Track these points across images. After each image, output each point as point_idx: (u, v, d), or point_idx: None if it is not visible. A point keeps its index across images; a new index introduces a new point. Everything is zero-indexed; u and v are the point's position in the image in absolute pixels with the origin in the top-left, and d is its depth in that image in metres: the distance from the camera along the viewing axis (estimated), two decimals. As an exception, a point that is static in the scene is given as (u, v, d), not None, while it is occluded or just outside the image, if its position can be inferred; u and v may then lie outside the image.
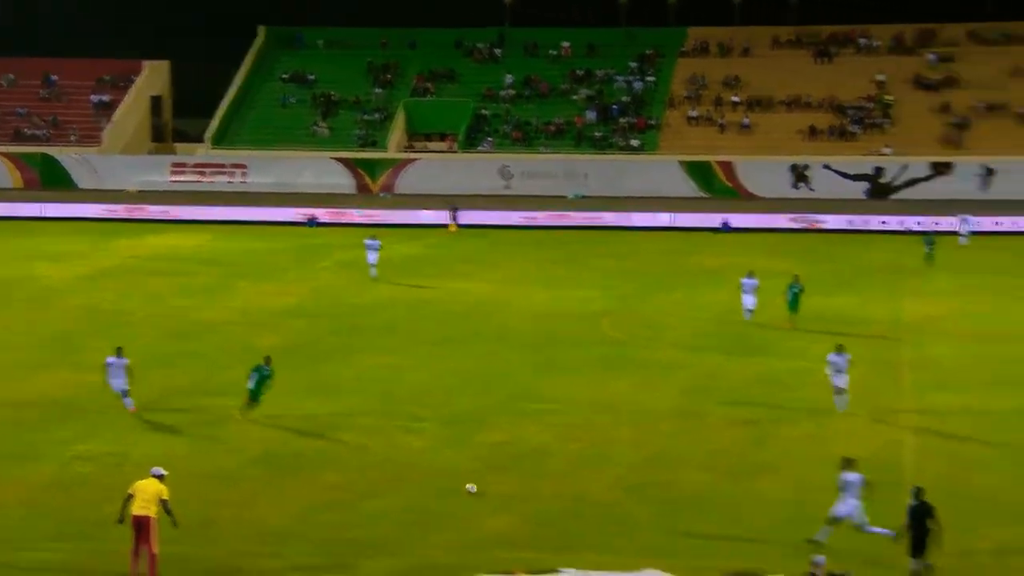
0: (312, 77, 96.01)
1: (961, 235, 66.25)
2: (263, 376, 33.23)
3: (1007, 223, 71.29)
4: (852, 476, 24.30)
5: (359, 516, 26.29)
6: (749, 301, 45.96)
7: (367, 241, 56.80)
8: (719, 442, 31.75)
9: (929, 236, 61.64)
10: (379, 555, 24.09)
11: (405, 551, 24.35)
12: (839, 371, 33.79)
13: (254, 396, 33.15)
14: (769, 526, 25.26)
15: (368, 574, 23.34)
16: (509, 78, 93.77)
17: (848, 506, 24.12)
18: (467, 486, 27.11)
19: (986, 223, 69.58)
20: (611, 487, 28.13)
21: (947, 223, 68.36)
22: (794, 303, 45.34)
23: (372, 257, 56.19)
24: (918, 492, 23.17)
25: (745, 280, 46.39)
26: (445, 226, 74.68)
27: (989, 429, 32.72)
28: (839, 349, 34.10)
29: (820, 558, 20.29)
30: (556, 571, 22.46)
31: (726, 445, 31.47)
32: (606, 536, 25.15)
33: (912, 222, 71.71)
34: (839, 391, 33.81)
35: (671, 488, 28.14)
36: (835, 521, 24.12)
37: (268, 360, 33.70)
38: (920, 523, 22.80)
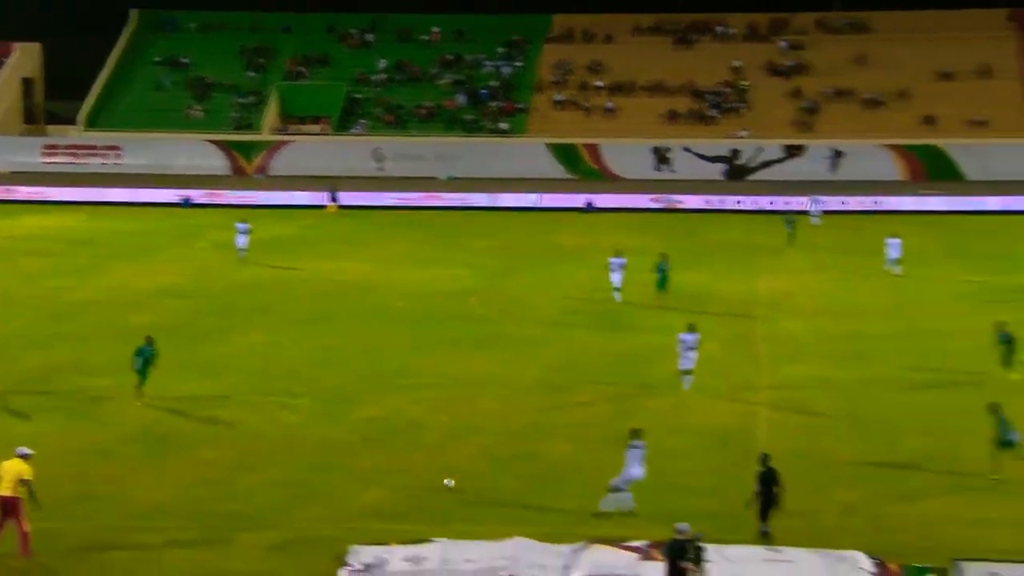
0: (186, 60, 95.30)
1: (813, 215, 68.13)
2: (147, 356, 33.25)
3: (854, 203, 73.67)
4: (639, 444, 25.64)
5: (236, 490, 26.65)
6: (616, 279, 46.82)
7: (237, 224, 56.44)
8: (584, 415, 32.52)
9: (790, 216, 63.51)
10: (255, 528, 24.44)
11: (282, 524, 24.73)
12: (689, 349, 34.28)
13: (143, 377, 33.21)
14: (634, 496, 25.56)
15: (244, 547, 23.62)
16: (381, 63, 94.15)
17: (638, 471, 25.41)
18: (445, 481, 27.05)
19: (834, 203, 71.85)
20: (478, 459, 28.82)
21: (799, 203, 70.43)
22: (662, 281, 46.45)
23: (242, 241, 55.80)
24: (765, 459, 24.30)
25: (613, 259, 47.15)
26: (320, 207, 74.77)
27: (836, 399, 34.09)
28: (690, 328, 34.60)
29: (684, 525, 20.77)
30: (428, 541, 22.77)
31: (591, 418, 32.21)
32: (475, 507, 25.79)
33: (766, 202, 73.92)
34: (687, 371, 34.35)
35: (538, 460, 28.89)
36: (620, 489, 25.57)
37: (150, 340, 33.64)
38: (768, 488, 23.93)
